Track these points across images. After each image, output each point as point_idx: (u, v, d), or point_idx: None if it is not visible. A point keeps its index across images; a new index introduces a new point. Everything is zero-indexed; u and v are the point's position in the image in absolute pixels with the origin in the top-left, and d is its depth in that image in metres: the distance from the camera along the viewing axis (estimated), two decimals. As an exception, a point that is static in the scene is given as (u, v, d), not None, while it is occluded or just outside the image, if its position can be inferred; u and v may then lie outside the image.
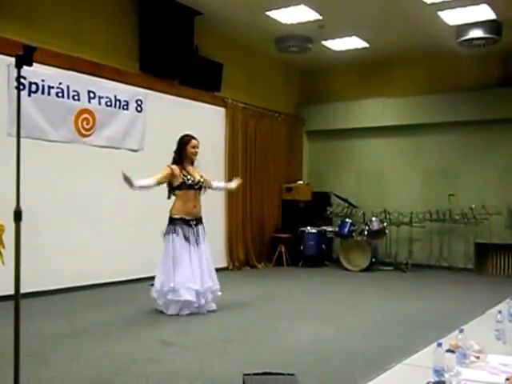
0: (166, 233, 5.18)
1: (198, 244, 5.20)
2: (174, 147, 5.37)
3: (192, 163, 5.39)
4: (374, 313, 5.46)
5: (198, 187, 5.30)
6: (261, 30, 8.27)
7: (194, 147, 5.34)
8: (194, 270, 5.11)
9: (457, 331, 3.08)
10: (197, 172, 5.39)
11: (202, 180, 5.34)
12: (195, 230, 5.23)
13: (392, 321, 5.05)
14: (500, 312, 3.52)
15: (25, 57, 2.44)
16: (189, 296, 5.02)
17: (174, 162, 5.30)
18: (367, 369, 3.29)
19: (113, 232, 6.76)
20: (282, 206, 9.85)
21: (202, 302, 5.17)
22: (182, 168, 5.27)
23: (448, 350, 2.81)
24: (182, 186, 5.22)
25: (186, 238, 5.14)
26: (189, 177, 5.24)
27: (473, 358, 2.97)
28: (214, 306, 5.30)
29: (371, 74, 9.95)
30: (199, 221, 5.32)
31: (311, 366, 3.53)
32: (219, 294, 5.36)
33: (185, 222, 5.20)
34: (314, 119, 10.49)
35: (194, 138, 5.38)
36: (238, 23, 8.04)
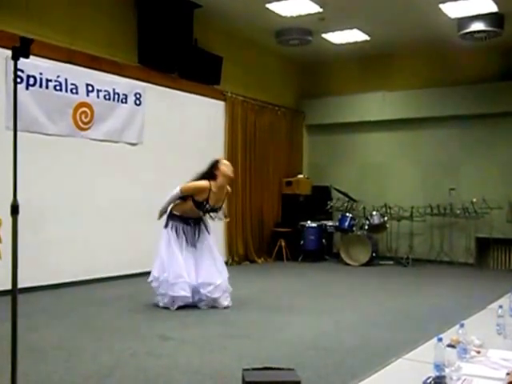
0: (166, 225, 5.17)
1: (195, 243, 5.17)
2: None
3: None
4: (374, 307, 5.45)
5: (206, 211, 5.22)
6: (261, 23, 8.22)
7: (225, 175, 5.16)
8: (188, 264, 5.06)
9: (457, 326, 3.06)
10: (224, 194, 5.25)
11: (217, 207, 5.21)
12: (194, 229, 5.20)
13: (392, 315, 5.03)
14: (501, 307, 3.50)
15: (21, 49, 2.41)
16: (183, 292, 4.97)
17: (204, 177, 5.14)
18: (367, 363, 3.28)
19: (111, 226, 6.73)
20: (282, 200, 9.82)
21: (197, 297, 5.12)
22: (211, 188, 5.08)
23: (449, 345, 2.80)
24: (198, 204, 5.11)
25: (182, 235, 5.13)
26: (209, 205, 5.10)
27: (473, 353, 2.95)
28: (223, 303, 5.14)
29: (372, 68, 9.89)
30: (199, 219, 5.27)
31: (311, 360, 3.52)
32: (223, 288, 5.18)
33: (183, 221, 5.19)
34: (314, 113, 10.44)
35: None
36: (237, 16, 7.99)
